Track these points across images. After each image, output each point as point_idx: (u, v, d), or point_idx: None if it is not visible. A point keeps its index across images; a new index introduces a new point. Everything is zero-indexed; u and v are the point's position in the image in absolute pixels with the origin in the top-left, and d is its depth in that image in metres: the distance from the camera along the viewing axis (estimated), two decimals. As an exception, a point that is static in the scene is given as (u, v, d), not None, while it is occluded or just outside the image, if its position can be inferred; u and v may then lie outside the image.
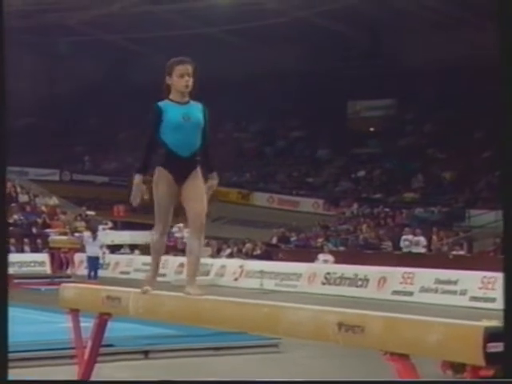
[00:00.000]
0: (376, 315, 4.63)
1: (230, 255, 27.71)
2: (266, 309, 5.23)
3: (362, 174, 34.24)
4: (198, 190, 5.84)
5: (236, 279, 24.60)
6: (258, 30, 35.63)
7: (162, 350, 10.46)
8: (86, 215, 33.11)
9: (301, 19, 34.25)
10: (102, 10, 33.91)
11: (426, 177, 31.74)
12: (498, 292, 18.29)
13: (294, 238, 29.40)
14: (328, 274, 22.34)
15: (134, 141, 42.08)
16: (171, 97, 5.89)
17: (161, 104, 5.86)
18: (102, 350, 6.91)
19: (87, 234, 26.25)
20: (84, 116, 42.28)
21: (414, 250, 24.37)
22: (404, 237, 24.95)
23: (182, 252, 29.10)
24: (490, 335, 3.97)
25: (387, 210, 29.45)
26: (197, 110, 5.89)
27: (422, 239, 24.71)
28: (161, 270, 26.43)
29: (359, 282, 21.24)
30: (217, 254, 28.46)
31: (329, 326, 4.63)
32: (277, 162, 37.52)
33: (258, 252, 27.37)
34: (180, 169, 5.80)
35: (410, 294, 19.83)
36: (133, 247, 31.03)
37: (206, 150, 5.94)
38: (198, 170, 5.88)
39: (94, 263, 24.82)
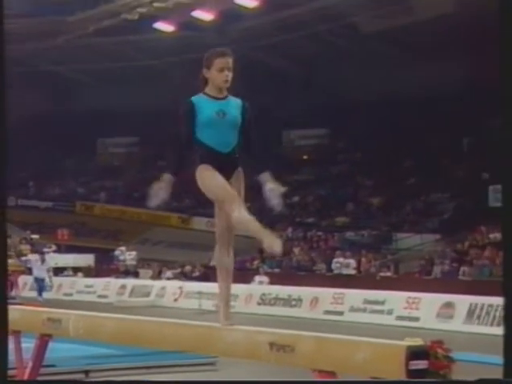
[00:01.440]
0: (306, 335, 4.65)
1: (171, 277, 27.61)
2: (202, 329, 5.22)
3: (296, 199, 34.41)
4: (239, 194, 5.16)
5: (176, 300, 24.46)
6: (199, 62, 35.66)
7: (102, 369, 10.33)
8: (31, 238, 32.65)
9: (239, 52, 34.45)
10: (48, 42, 33.65)
11: (356, 202, 32.04)
12: (421, 311, 18.51)
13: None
14: (263, 294, 22.36)
15: (77, 167, 41.82)
16: (207, 90, 5.18)
17: (194, 99, 5.15)
18: (44, 370, 6.79)
19: (35, 257, 25.73)
20: (29, 143, 41.74)
21: (345, 271, 24.52)
22: (335, 259, 25.11)
23: (123, 274, 28.94)
24: (412, 353, 4.02)
25: (320, 233, 29.62)
26: (234, 106, 5.20)
27: (352, 261, 24.89)
28: (102, 292, 26.11)
29: (293, 303, 21.28)
30: (158, 275, 28.29)
31: (261, 345, 4.63)
32: (215, 188, 37.47)
33: (197, 274, 27.29)
34: (222, 165, 5.06)
35: (341, 313, 19.92)
36: (76, 270, 30.69)
37: (251, 148, 5.21)
38: (241, 170, 5.19)
39: (40, 285, 24.53)
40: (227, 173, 5.10)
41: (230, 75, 5.17)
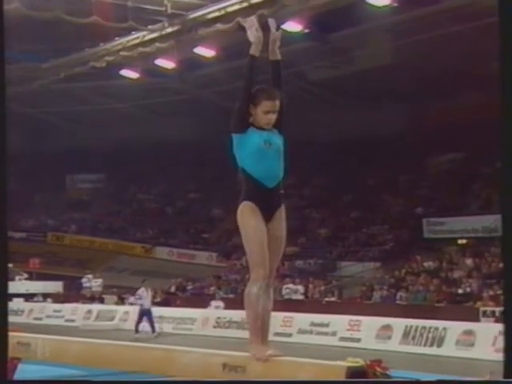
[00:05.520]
0: (256, 357, 4.61)
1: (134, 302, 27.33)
2: (160, 352, 5.16)
3: (249, 230, 34.36)
4: (281, 241, 4.69)
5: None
6: (161, 105, 35.83)
7: (68, 388, 10.14)
8: (5, 267, 32.10)
9: (199, 97, 34.60)
10: (23, 86, 33.44)
11: (304, 233, 32.10)
12: (362, 333, 18.53)
13: (190, 287, 29.16)
14: (219, 318, 22.23)
15: (48, 201, 41.39)
16: (252, 121, 4.69)
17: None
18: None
19: (142, 289, 22.37)
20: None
21: (294, 296, 24.48)
22: (285, 286, 25.06)
23: (89, 300, 28.56)
24: (352, 373, 4.02)
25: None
26: (276, 135, 4.74)
27: (300, 287, 24.86)
28: (70, 317, 25.54)
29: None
30: (121, 301, 27.97)
31: (214, 366, 4.58)
32: (176, 220, 37.34)
33: (159, 299, 27.02)
34: (267, 201, 4.61)
35: (290, 335, 19.86)
36: (45, 296, 30.26)
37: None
38: (283, 208, 4.73)
39: (148, 315, 21.71)
40: (270, 211, 4.64)
41: (274, 117, 4.67)
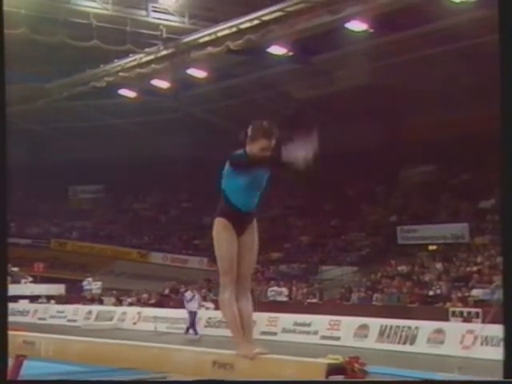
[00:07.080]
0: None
1: (131, 303, 27.21)
2: (156, 350, 5.13)
3: (237, 237, 34.28)
4: (252, 251, 4.62)
5: (135, 323, 24.09)
6: (156, 122, 35.82)
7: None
8: (11, 271, 31.95)
9: (191, 114, 34.62)
10: (29, 105, 33.38)
11: (288, 240, 32.09)
12: (341, 332, 18.52)
13: (182, 289, 29.05)
14: (209, 318, 22.16)
15: (52, 210, 41.20)
16: (248, 150, 4.52)
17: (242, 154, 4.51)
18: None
19: (188, 292, 21.98)
20: (10, 190, 40.98)
21: (278, 298, 24.46)
22: (270, 288, 25.06)
23: (89, 301, 28.43)
24: (332, 369, 4.02)
25: (257, 266, 29.53)
26: (265, 173, 4.60)
27: (285, 290, 24.86)
28: (72, 317, 25.47)
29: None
30: (119, 302, 27.86)
31: (205, 364, 4.58)
32: (170, 228, 37.26)
33: (153, 301, 26.95)
34: (239, 221, 4.54)
35: (275, 334, 19.83)
36: (49, 297, 30.13)
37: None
38: (255, 223, 4.63)
39: (193, 318, 21.38)
40: (243, 227, 4.58)
41: (268, 154, 4.45)
